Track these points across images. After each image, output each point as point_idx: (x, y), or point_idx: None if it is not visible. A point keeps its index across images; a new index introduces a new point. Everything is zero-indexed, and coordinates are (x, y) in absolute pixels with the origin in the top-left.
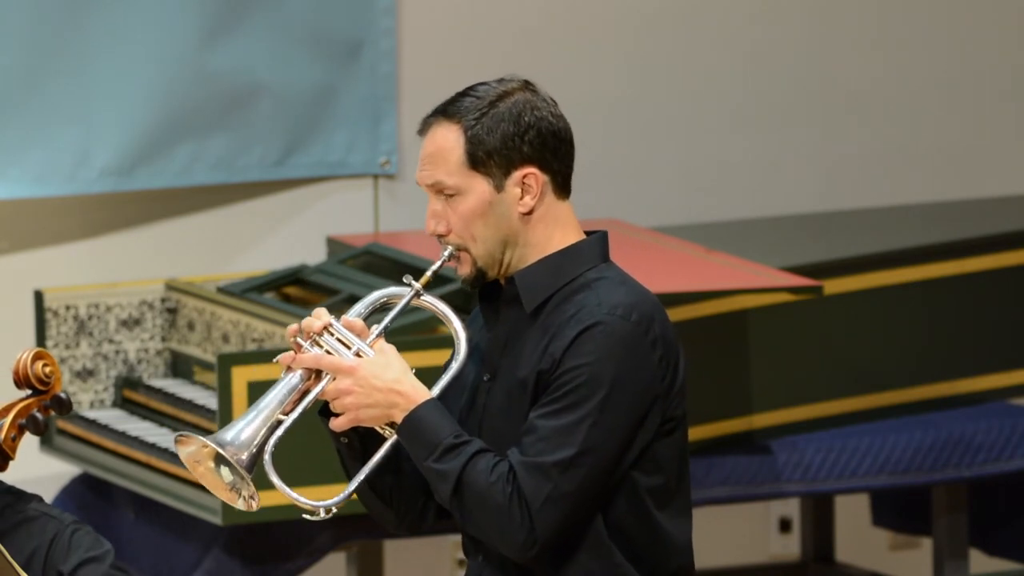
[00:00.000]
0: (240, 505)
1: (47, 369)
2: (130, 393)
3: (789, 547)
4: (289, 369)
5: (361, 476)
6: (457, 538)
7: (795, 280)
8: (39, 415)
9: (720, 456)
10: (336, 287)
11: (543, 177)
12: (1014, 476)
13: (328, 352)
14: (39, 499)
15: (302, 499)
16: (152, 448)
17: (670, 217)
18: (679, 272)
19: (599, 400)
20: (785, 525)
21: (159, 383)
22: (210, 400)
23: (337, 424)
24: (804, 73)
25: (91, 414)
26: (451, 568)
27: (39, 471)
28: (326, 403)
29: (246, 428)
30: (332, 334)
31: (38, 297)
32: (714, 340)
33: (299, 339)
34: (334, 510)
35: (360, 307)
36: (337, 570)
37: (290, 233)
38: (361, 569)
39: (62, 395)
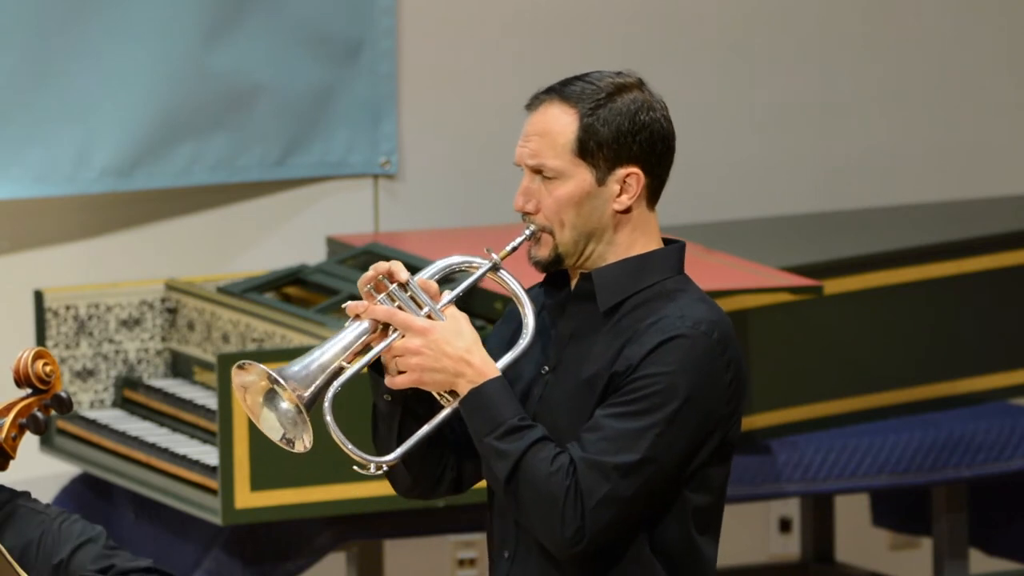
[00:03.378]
0: (296, 447)
1: (47, 368)
2: (130, 393)
3: (789, 547)
4: (358, 317)
5: (417, 437)
6: (457, 538)
7: (795, 280)
8: (39, 414)
9: None
10: (336, 287)
11: (644, 180)
12: (1014, 476)
13: (400, 307)
14: (27, 495)
15: (357, 450)
16: (152, 448)
17: (670, 217)
18: None
19: (670, 411)
20: (785, 525)
21: (159, 383)
22: (210, 400)
23: (398, 382)
24: (804, 74)
25: (91, 414)
26: (451, 568)
27: (39, 471)
28: (377, 359)
29: (311, 365)
30: (406, 291)
31: (38, 297)
32: None
33: (371, 291)
34: (385, 467)
35: (434, 270)
36: (337, 570)
37: (290, 233)
38: (361, 569)
39: (62, 394)
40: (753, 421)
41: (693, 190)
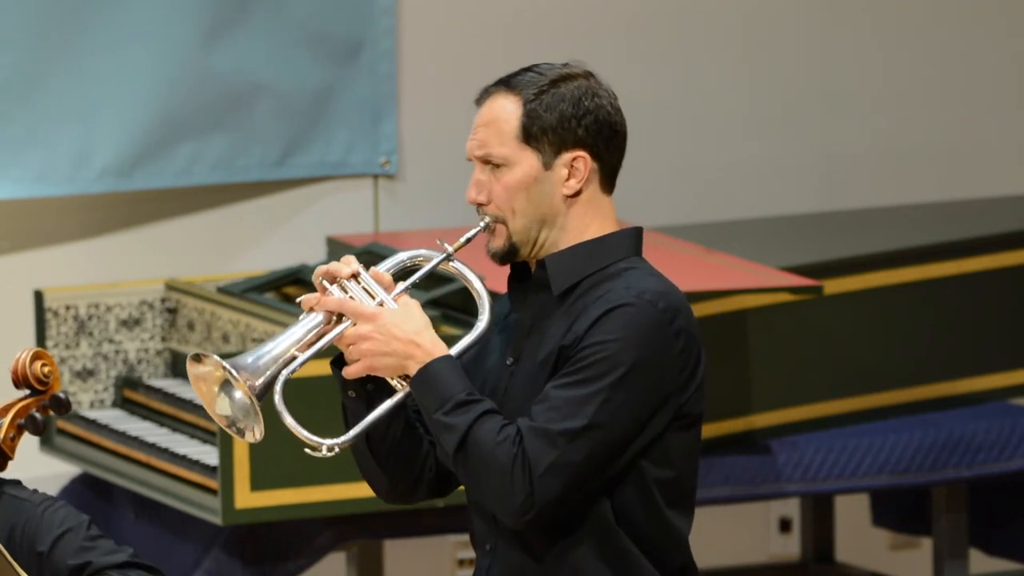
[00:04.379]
0: (247, 437)
1: (46, 369)
2: (130, 393)
3: (789, 547)
4: (311, 310)
5: (368, 420)
6: (457, 538)
7: (795, 280)
8: (38, 415)
9: (720, 456)
10: None
11: (592, 164)
12: (1014, 476)
13: (352, 298)
14: (15, 483)
15: (307, 433)
16: (152, 448)
17: (670, 217)
18: (679, 272)
19: (615, 378)
20: (785, 525)
21: (159, 383)
22: None
23: (351, 371)
24: (804, 73)
25: (91, 414)
26: (451, 568)
27: (39, 471)
28: (340, 354)
29: (263, 357)
30: (359, 282)
31: (38, 297)
32: (714, 340)
33: (324, 282)
34: (337, 449)
35: (389, 263)
36: (337, 570)
37: (290, 233)
38: (361, 569)
39: (61, 395)
40: (753, 421)
41: (693, 190)
